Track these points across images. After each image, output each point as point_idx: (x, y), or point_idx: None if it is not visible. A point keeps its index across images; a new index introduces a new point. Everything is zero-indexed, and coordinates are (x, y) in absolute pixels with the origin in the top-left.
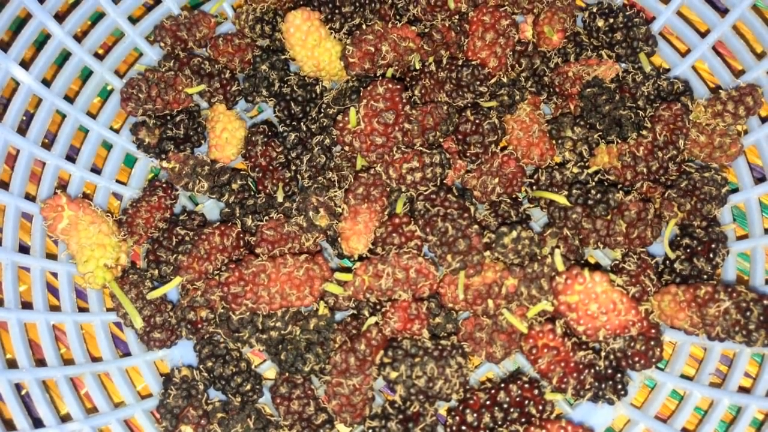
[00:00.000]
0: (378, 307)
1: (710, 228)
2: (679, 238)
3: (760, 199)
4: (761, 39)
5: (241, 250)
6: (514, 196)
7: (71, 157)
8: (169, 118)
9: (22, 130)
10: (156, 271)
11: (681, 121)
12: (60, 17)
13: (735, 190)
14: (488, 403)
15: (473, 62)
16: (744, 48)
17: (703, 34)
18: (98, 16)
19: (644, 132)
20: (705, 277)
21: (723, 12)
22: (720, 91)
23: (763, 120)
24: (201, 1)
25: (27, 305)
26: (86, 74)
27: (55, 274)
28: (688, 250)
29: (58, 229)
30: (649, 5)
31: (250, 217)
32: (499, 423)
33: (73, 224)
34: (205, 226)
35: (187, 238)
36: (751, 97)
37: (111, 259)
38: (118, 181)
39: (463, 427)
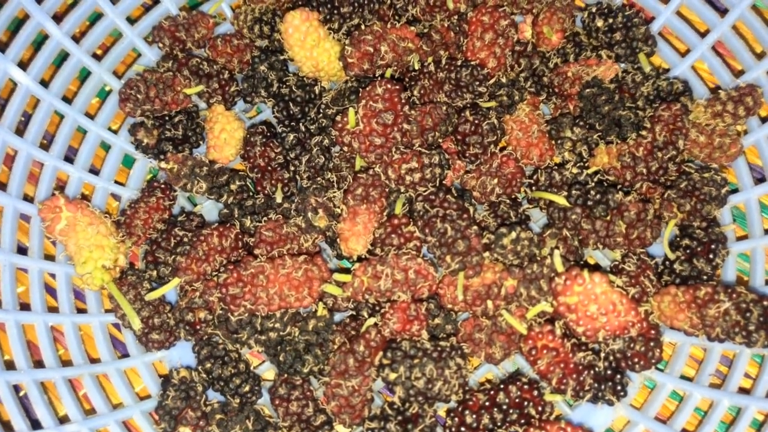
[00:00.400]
0: (377, 308)
1: (710, 229)
2: (678, 239)
3: (760, 199)
4: (761, 39)
5: (240, 251)
6: (513, 196)
7: (69, 158)
8: (167, 118)
9: (20, 130)
10: (154, 272)
11: (680, 121)
12: (58, 18)
13: (735, 191)
14: (487, 404)
15: (472, 63)
16: (744, 48)
17: (702, 34)
18: (96, 17)
19: (644, 132)
20: (705, 277)
21: (722, 12)
22: (719, 91)
23: (763, 120)
24: (199, 2)
25: (25, 306)
26: (84, 75)
27: (53, 276)
28: (688, 251)
29: (56, 230)
30: (649, 5)
31: (249, 217)
32: (499, 424)
33: (71, 225)
34: (204, 227)
35: (185, 239)
36: (750, 98)
37: (109, 260)
38: (116, 182)
39: (462, 429)
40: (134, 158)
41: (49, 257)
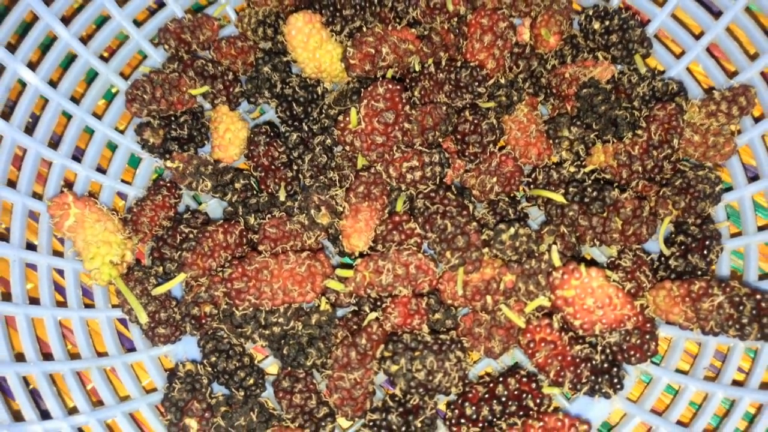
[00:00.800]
0: (378, 302)
1: (704, 225)
2: (673, 235)
3: (753, 197)
4: (754, 41)
5: (245, 247)
6: (512, 194)
7: (77, 158)
8: (173, 118)
9: (29, 130)
10: (161, 268)
11: (675, 120)
12: (66, 20)
13: (729, 189)
14: (487, 396)
15: (472, 64)
16: (737, 49)
17: (697, 36)
18: (103, 20)
19: (639, 131)
20: (699, 273)
21: (717, 14)
22: (714, 91)
23: (756, 120)
24: (204, 5)
25: (34, 301)
26: (92, 76)
27: (61, 272)
28: (683, 247)
29: (64, 226)
30: (645, 8)
31: (253, 215)
32: (498, 416)
33: (79, 222)
34: (209, 224)
35: (191, 236)
36: (744, 98)
37: (117, 256)
38: (123, 181)
39: (462, 420)
40: (140, 158)
41: (58, 254)
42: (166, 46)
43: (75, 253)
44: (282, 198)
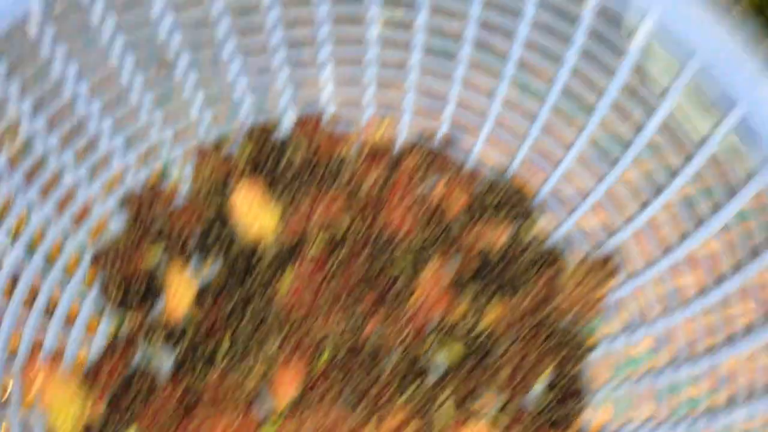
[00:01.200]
0: None
1: (579, 376)
2: (550, 385)
3: (624, 349)
4: (641, 192)
5: (189, 398)
6: (419, 346)
7: (46, 315)
8: (131, 276)
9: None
10: (116, 421)
11: (556, 280)
12: (41, 192)
13: (602, 342)
14: None
15: (390, 223)
16: (627, 199)
17: (589, 191)
18: (72, 190)
19: (525, 290)
20: (572, 419)
21: (611, 164)
22: (587, 256)
23: (627, 277)
24: (160, 177)
25: None
26: (61, 241)
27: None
28: (559, 396)
29: (33, 388)
30: (540, 167)
31: (199, 367)
32: None
33: (46, 383)
34: (159, 377)
35: (143, 389)
36: (614, 260)
37: (78, 411)
38: (85, 336)
39: None
40: (101, 313)
41: (28, 409)
42: (127, 213)
43: (41, 411)
44: (224, 349)
